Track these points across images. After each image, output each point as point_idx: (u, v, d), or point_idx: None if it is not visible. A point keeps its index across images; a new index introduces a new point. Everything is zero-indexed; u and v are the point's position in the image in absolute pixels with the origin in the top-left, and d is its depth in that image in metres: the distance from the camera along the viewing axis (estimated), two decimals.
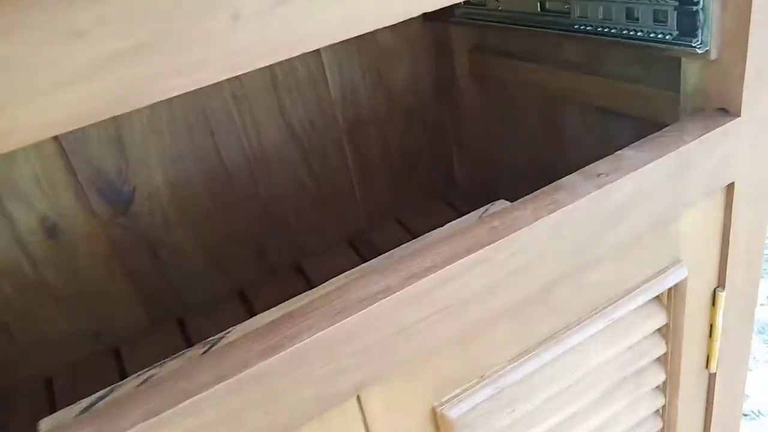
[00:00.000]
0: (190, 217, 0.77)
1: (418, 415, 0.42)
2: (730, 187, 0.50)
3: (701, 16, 0.45)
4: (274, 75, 0.76)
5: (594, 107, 0.66)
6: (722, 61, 0.46)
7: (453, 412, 0.43)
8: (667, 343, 0.54)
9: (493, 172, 0.88)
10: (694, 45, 0.45)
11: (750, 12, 0.43)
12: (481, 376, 0.45)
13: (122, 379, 0.38)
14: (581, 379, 0.51)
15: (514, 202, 0.42)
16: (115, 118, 0.69)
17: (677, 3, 0.45)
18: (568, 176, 0.44)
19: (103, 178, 0.71)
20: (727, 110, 0.47)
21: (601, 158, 0.45)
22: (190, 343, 0.76)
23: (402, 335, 0.36)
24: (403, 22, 0.31)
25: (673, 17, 0.47)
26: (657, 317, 0.52)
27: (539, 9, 0.60)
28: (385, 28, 0.30)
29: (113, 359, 0.76)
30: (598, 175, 0.44)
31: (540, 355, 0.46)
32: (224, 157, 0.76)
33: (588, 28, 0.54)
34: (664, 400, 0.58)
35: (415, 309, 0.36)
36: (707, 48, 0.46)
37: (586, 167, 0.44)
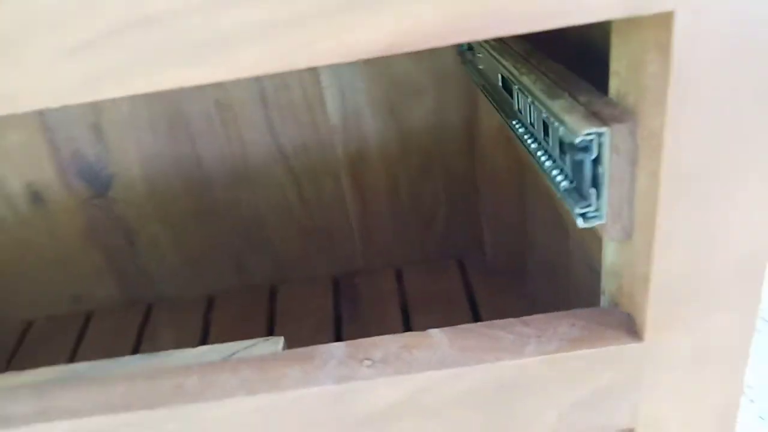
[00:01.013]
0: (167, 215, 0.75)
1: None
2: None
3: (598, 170, 0.28)
4: (262, 88, 0.69)
5: None
6: (635, 244, 0.29)
7: None
8: None
9: (522, 243, 0.72)
10: (582, 211, 0.29)
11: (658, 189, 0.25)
12: None
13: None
14: None
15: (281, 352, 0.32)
16: (95, 107, 0.69)
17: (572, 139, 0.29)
18: (322, 347, 0.32)
19: (82, 159, 0.71)
20: (633, 325, 0.30)
21: None
22: (151, 328, 0.76)
23: None
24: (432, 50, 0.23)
25: (566, 159, 0.30)
26: None
27: (500, 83, 0.44)
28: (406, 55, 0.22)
29: (83, 323, 0.78)
30: (363, 360, 0.31)
31: None
32: (204, 165, 0.72)
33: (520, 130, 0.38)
34: None
35: None
36: (602, 221, 0.29)
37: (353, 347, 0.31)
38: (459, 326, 0.32)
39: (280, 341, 0.36)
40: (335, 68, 0.68)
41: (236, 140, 0.71)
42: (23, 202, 0.74)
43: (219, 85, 0.68)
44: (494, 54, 0.43)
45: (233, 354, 0.36)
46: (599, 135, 0.27)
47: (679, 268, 0.27)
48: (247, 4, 0.21)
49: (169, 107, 0.69)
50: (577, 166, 0.28)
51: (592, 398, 0.30)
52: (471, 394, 0.30)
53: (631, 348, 0.29)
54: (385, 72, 0.69)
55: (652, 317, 0.28)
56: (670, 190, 0.25)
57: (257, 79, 0.68)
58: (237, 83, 0.68)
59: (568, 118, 0.28)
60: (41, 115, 0.69)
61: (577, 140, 0.27)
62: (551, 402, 0.30)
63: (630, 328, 0.30)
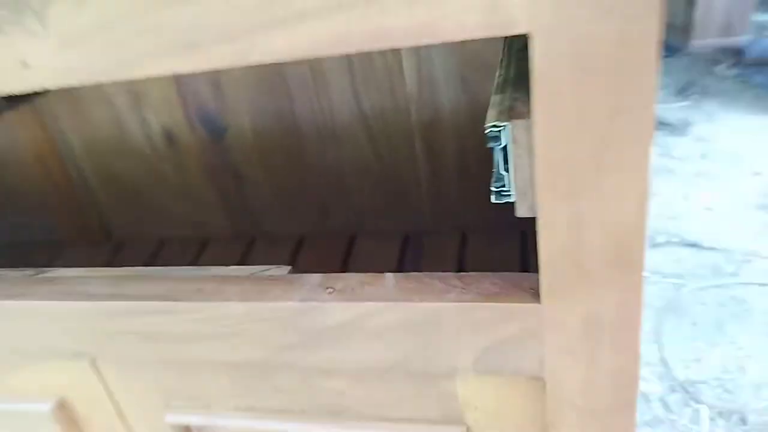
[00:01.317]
0: (268, 162, 0.88)
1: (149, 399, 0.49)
2: (535, 381, 0.38)
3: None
4: (350, 58, 0.78)
5: None
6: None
7: (174, 419, 0.48)
8: None
9: None
10: (497, 189, 0.35)
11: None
12: (208, 406, 0.48)
13: None
14: None
15: (290, 274, 0.42)
16: None
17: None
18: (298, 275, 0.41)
19: (204, 110, 0.86)
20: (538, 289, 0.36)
21: None
22: (251, 259, 0.91)
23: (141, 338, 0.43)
24: None
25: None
26: None
27: None
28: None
29: (200, 247, 0.96)
30: (327, 288, 0.40)
31: (266, 421, 0.47)
32: (299, 121, 0.84)
33: None
34: None
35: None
36: (512, 199, 0.34)
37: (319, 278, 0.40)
38: (410, 273, 0.40)
39: (287, 269, 0.46)
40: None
41: (325, 102, 0.81)
42: (159, 142, 0.91)
43: None
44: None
45: (252, 273, 0.46)
46: (503, 128, 0.32)
47: (561, 246, 0.32)
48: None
49: (272, 71, 0.81)
50: (492, 151, 0.34)
51: (501, 346, 0.37)
52: (403, 325, 0.38)
53: (531, 307, 0.35)
54: (459, 49, 0.74)
55: (545, 285, 0.34)
56: (547, 179, 0.31)
57: None
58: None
59: (489, 112, 0.34)
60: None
61: (486, 131, 0.33)
62: (467, 343, 0.37)
63: (535, 291, 0.35)
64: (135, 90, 0.88)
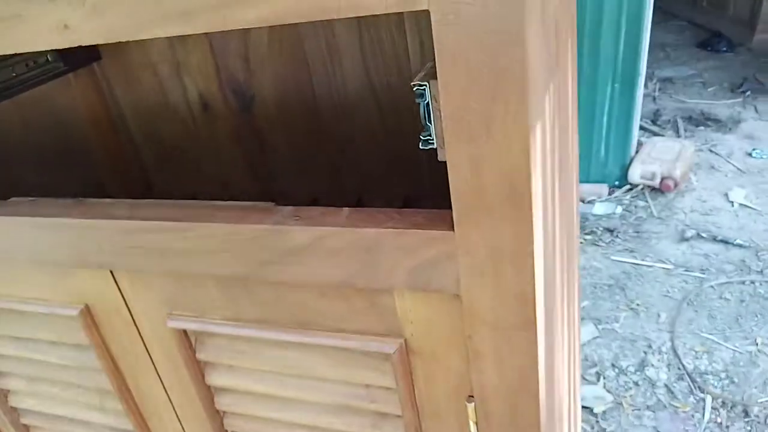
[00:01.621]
0: (288, 130, 0.98)
1: (155, 307, 0.60)
2: (456, 299, 0.46)
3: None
4: (361, 36, 0.86)
5: None
6: None
7: (174, 324, 0.59)
8: (404, 418, 0.55)
9: None
10: (424, 138, 0.43)
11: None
12: (202, 315, 0.58)
13: None
14: (308, 381, 0.58)
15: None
16: (245, 41, 0.93)
17: None
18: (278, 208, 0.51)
19: (235, 81, 0.97)
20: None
21: None
22: None
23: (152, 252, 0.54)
24: None
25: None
26: (378, 376, 0.54)
27: None
28: None
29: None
30: (295, 216, 0.49)
31: (247, 329, 0.57)
32: (316, 93, 0.93)
33: None
34: None
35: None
36: (434, 146, 0.43)
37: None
38: (364, 208, 0.49)
39: (271, 204, 0.56)
40: (417, 25, 0.83)
41: (340, 77, 0.91)
42: (196, 108, 1.02)
43: (330, 33, 0.88)
44: None
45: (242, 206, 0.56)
46: (425, 86, 0.41)
47: (466, 184, 0.41)
48: None
49: (295, 48, 0.90)
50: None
51: (426, 265, 0.45)
52: (352, 246, 0.47)
53: (447, 234, 0.44)
54: None
55: (456, 216, 0.42)
56: (452, 127, 0.39)
57: (359, 30, 0.86)
58: (342, 34, 0.87)
59: (419, 74, 0.42)
60: (211, 44, 0.95)
61: (414, 88, 0.41)
62: (400, 263, 0.46)
63: (451, 223, 0.44)
64: (177, 60, 0.99)
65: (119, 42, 0.43)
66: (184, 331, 0.60)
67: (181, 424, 0.70)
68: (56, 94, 1.00)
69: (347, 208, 0.49)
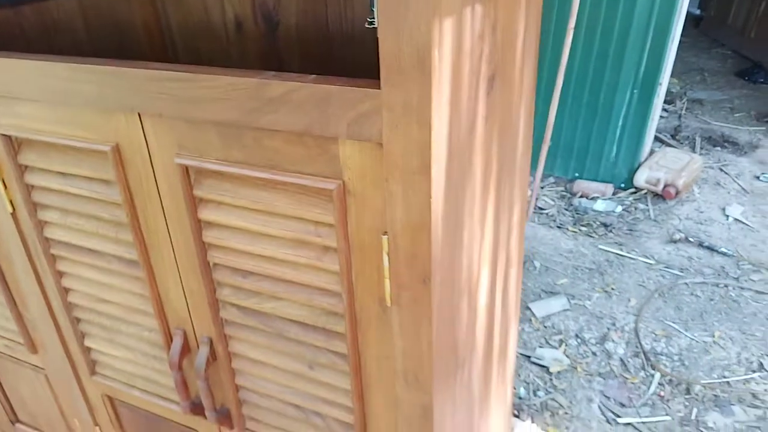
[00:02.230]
0: (304, 55, 1.16)
1: (167, 147, 0.79)
2: (379, 148, 0.64)
3: None
4: None
5: None
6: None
7: (179, 161, 0.78)
8: (339, 250, 0.73)
9: None
10: (369, 19, 0.60)
11: None
12: (201, 156, 0.77)
13: None
14: (273, 218, 0.76)
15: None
16: None
17: None
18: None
19: (265, 6, 1.15)
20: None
21: None
22: None
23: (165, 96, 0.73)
24: None
25: None
26: (324, 214, 0.71)
27: None
28: None
29: None
30: (274, 75, 0.67)
31: (232, 168, 0.75)
32: (330, 26, 1.11)
33: None
34: (341, 289, 0.76)
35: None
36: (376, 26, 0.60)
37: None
38: (325, 75, 0.66)
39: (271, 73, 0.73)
40: None
41: (350, 12, 1.08)
42: (232, 28, 1.21)
43: None
44: None
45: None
46: None
47: (388, 53, 0.58)
48: None
49: None
50: None
51: (361, 118, 0.63)
52: (312, 98, 0.64)
53: (376, 92, 0.61)
54: None
55: (382, 78, 0.60)
56: (382, 9, 0.56)
57: None
58: None
59: None
60: None
61: None
62: (344, 113, 0.63)
63: (380, 84, 0.61)
64: None
65: None
66: (187, 168, 0.79)
67: (174, 255, 0.89)
68: (117, 5, 1.20)
69: (314, 76, 0.66)
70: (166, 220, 0.86)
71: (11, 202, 0.98)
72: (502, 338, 1.11)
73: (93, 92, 0.78)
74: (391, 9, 0.56)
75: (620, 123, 2.73)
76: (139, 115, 0.78)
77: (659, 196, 2.67)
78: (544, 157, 2.44)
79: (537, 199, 2.66)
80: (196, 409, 1.02)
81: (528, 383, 1.72)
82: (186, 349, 0.99)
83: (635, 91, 2.65)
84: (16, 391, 1.42)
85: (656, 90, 2.61)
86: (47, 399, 1.35)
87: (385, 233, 0.69)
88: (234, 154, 0.74)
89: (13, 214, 0.99)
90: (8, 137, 0.90)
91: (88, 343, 1.12)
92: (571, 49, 2.61)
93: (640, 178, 2.70)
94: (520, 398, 1.63)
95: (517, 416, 1.59)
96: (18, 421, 1.48)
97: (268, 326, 0.87)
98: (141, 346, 1.05)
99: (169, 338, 0.99)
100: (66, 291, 1.06)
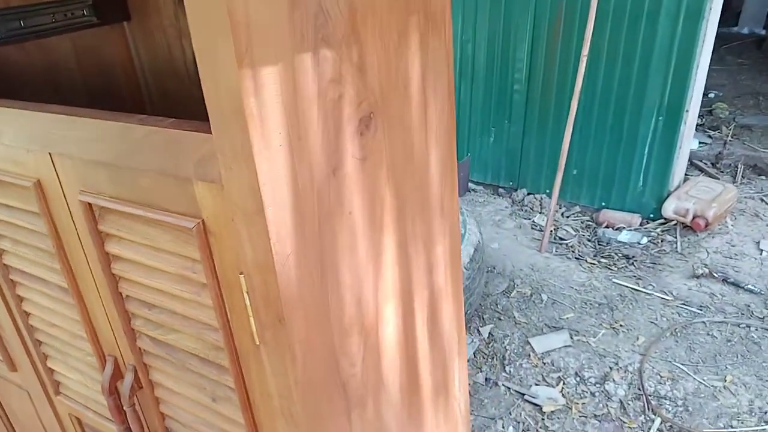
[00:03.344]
0: None
1: (73, 185, 0.83)
2: (222, 189, 0.65)
3: None
4: None
5: None
6: None
7: (83, 198, 0.83)
8: (210, 287, 0.75)
9: None
10: None
11: None
12: (97, 191, 0.81)
13: None
14: (162, 253, 0.79)
15: None
16: None
17: None
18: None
19: None
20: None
21: None
22: None
23: (63, 137, 0.78)
24: None
25: None
26: (195, 251, 0.74)
27: None
28: None
29: None
30: (136, 119, 0.71)
31: (123, 206, 0.79)
32: None
33: None
34: (218, 325, 0.78)
35: None
36: None
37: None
38: (180, 120, 0.69)
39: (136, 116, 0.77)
40: None
41: None
42: (192, 69, 1.27)
43: None
44: None
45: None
46: None
47: (210, 98, 0.60)
48: None
49: None
50: None
51: (203, 160, 0.65)
52: (167, 141, 0.67)
53: (210, 137, 0.63)
54: None
55: (212, 124, 0.62)
56: (203, 67, 0.59)
57: None
58: None
59: None
60: None
61: None
62: (190, 155, 0.66)
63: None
64: (180, 27, 1.24)
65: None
66: (90, 205, 0.83)
67: (96, 285, 0.94)
68: (102, 44, 1.29)
69: (172, 119, 0.69)
70: (84, 252, 0.91)
71: None
72: (437, 375, 1.09)
73: (17, 132, 0.85)
74: (207, 57, 0.58)
75: (646, 151, 2.62)
76: (50, 154, 0.84)
77: (689, 228, 2.52)
78: (558, 185, 2.38)
79: (556, 229, 2.58)
80: None
81: (518, 422, 1.66)
82: (118, 375, 1.03)
83: (660, 118, 2.54)
84: (9, 407, 1.52)
85: (682, 117, 2.49)
86: (32, 416, 1.43)
87: (242, 273, 0.70)
88: (121, 191, 0.78)
89: None
90: None
91: (50, 364, 1.19)
92: (592, 74, 2.55)
93: (669, 209, 2.57)
94: None
95: None
96: None
97: (174, 357, 0.89)
98: (88, 370, 1.10)
99: (103, 363, 1.03)
100: (27, 314, 1.13)
